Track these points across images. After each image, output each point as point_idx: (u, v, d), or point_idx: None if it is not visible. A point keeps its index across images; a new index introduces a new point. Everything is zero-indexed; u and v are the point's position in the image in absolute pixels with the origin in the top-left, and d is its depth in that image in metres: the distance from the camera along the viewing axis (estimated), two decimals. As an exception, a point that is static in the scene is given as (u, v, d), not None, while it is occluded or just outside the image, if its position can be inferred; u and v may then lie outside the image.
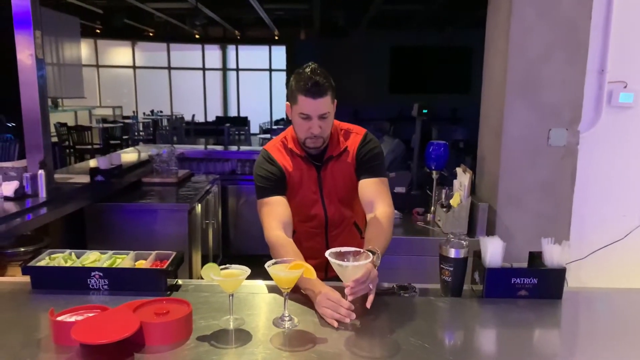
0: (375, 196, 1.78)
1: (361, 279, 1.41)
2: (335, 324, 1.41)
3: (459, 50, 11.72)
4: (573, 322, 1.65)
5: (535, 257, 1.73)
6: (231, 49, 16.59)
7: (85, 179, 3.40)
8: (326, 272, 1.75)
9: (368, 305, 1.47)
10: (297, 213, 1.87)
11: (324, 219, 1.89)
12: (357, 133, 1.88)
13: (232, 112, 16.62)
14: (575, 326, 1.63)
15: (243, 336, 1.36)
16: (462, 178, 2.92)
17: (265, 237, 1.73)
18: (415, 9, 10.52)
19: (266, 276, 1.49)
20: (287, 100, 1.76)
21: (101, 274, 1.61)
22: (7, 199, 2.75)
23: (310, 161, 1.83)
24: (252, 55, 16.50)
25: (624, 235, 2.80)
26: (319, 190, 1.86)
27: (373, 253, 1.53)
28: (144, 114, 14.76)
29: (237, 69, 16.73)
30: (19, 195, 2.78)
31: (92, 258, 1.72)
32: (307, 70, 1.69)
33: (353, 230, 1.96)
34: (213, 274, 1.37)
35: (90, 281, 1.61)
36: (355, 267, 1.42)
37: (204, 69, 16.55)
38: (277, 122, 13.64)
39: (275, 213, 1.74)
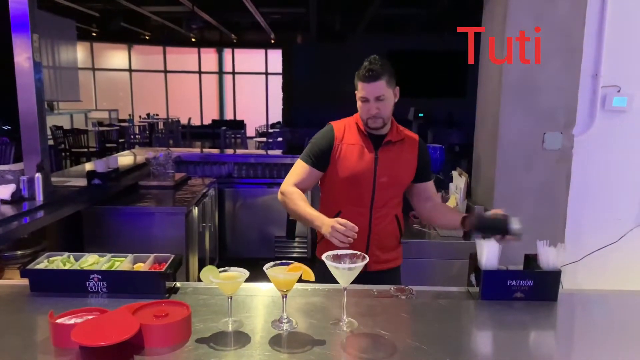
0: (433, 193, 2.14)
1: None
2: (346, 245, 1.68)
3: (455, 55, 11.77)
4: (568, 324, 1.66)
5: (531, 260, 1.75)
6: (227, 53, 16.60)
7: (82, 182, 3.39)
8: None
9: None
10: (348, 186, 2.00)
11: (370, 198, 1.99)
12: (412, 133, 2.13)
13: (229, 116, 16.63)
14: (571, 328, 1.65)
15: (242, 338, 1.36)
16: (458, 181, 2.95)
17: (282, 188, 2.02)
18: (411, 13, 10.58)
19: (264, 279, 1.51)
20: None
21: (100, 277, 1.62)
22: (4, 202, 2.74)
23: (370, 140, 2.01)
24: (249, 59, 16.52)
25: (619, 238, 2.82)
26: (374, 168, 1.99)
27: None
28: (140, 117, 14.74)
29: (234, 73, 16.75)
30: (16, 199, 2.78)
31: (91, 261, 1.73)
32: (366, 62, 1.93)
33: (393, 221, 2.07)
34: (212, 277, 1.38)
35: (89, 284, 1.62)
36: (351, 269, 1.44)
37: (200, 72, 16.55)
38: (273, 126, 13.64)
39: (299, 176, 2.02)
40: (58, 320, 1.32)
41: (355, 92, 1.99)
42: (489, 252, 1.67)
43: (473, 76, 3.25)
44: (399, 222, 2.09)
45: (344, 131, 2.03)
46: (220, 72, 16.88)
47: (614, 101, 2.74)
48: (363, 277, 1.55)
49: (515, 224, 1.75)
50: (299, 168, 2.03)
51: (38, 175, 2.84)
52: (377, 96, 1.91)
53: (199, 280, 1.47)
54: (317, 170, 2.02)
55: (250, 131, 14.07)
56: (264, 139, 10.62)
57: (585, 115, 2.79)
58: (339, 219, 1.76)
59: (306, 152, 2.03)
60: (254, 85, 16.61)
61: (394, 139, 2.02)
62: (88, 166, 4.42)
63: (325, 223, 1.80)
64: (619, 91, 2.75)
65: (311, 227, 2.00)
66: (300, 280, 1.46)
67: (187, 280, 3.39)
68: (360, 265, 1.45)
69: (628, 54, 2.75)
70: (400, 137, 2.04)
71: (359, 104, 1.98)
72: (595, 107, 2.77)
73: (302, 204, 1.94)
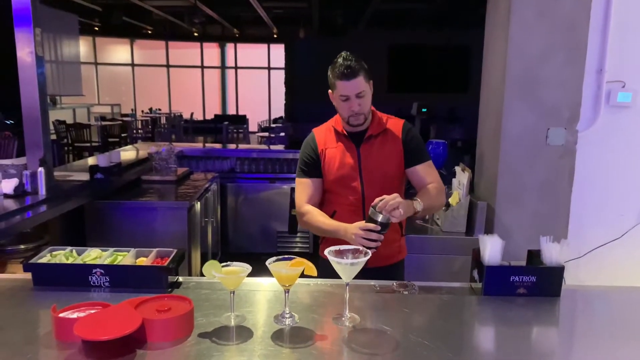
0: (426, 177, 2.01)
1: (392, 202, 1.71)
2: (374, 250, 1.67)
3: (458, 50, 11.73)
4: (571, 320, 1.66)
5: (534, 256, 1.75)
6: (230, 47, 16.57)
7: (85, 176, 3.40)
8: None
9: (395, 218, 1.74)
10: (337, 187, 2.01)
11: (360, 195, 1.98)
12: (397, 119, 2.09)
13: (231, 110, 16.61)
14: (573, 324, 1.64)
15: (244, 333, 1.36)
16: (461, 177, 2.94)
17: (297, 211, 2.04)
18: (414, 7, 10.52)
19: (266, 274, 1.50)
20: (329, 89, 1.98)
21: (102, 271, 1.62)
22: (6, 196, 2.74)
23: (350, 139, 2.01)
24: (251, 54, 16.48)
25: (622, 234, 2.82)
26: (358, 166, 1.99)
27: (416, 200, 1.85)
28: (142, 111, 14.74)
29: (236, 67, 16.71)
30: (19, 193, 2.78)
31: (94, 255, 1.73)
32: (340, 59, 1.90)
33: None
34: (215, 271, 1.38)
35: (91, 278, 1.62)
36: (353, 264, 1.44)
37: (202, 67, 16.53)
38: (275, 121, 13.62)
39: (307, 193, 2.02)
40: (61, 314, 1.32)
41: (330, 92, 1.97)
42: (491, 247, 1.67)
43: (476, 71, 3.23)
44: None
45: (325, 136, 2.04)
46: (223, 67, 16.85)
47: (619, 97, 2.73)
48: (365, 274, 1.55)
49: (377, 216, 1.73)
50: (302, 185, 2.04)
51: (41, 169, 2.84)
52: (357, 93, 1.89)
53: (202, 274, 1.47)
54: (317, 179, 2.03)
55: (252, 126, 14.07)
56: (266, 134, 10.60)
57: (590, 110, 2.78)
58: (358, 224, 1.77)
59: (300, 168, 2.05)
60: (256, 80, 16.57)
61: (375, 132, 2.00)
62: (90, 160, 4.42)
63: (349, 231, 1.80)
64: (623, 87, 2.74)
65: None
66: (302, 275, 1.45)
67: (190, 274, 3.40)
68: (362, 260, 1.44)
69: (633, 49, 2.73)
70: (381, 128, 2.01)
71: (338, 103, 1.95)
72: (599, 102, 2.76)
73: (321, 219, 1.95)
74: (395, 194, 1.75)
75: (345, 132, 2.01)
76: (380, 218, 1.73)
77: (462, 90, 11.31)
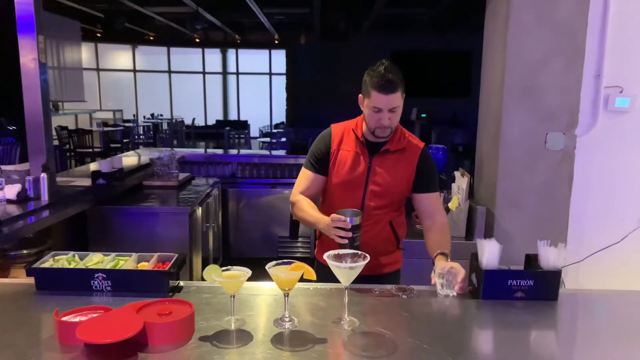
0: (434, 209, 2.00)
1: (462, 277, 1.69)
2: (345, 241, 1.69)
3: (459, 54, 11.77)
4: (569, 324, 1.67)
5: (532, 260, 1.76)
6: (231, 53, 16.63)
7: (87, 182, 3.42)
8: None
9: (458, 289, 1.70)
10: (339, 192, 1.99)
11: (360, 205, 1.95)
12: (418, 142, 2.04)
13: (232, 116, 16.65)
14: (571, 327, 1.65)
15: (244, 336, 1.38)
16: (461, 182, 2.95)
17: (290, 199, 2.04)
18: (415, 13, 10.57)
19: (266, 278, 1.52)
20: (361, 93, 1.91)
21: (104, 276, 1.63)
22: (10, 201, 2.77)
23: (366, 147, 1.97)
24: (252, 59, 16.54)
25: (621, 238, 2.83)
26: (366, 177, 1.96)
27: (445, 255, 1.82)
28: (144, 117, 14.81)
29: (237, 73, 16.77)
30: (22, 198, 2.80)
31: (96, 260, 1.74)
32: (381, 68, 1.83)
33: (387, 228, 2.02)
34: (215, 276, 1.40)
35: (93, 282, 1.63)
36: (352, 268, 1.45)
37: (204, 72, 16.58)
38: (277, 126, 13.67)
39: (304, 184, 2.02)
40: (63, 318, 1.34)
41: (363, 97, 1.89)
42: (489, 252, 1.68)
43: (477, 75, 3.25)
44: (394, 228, 2.03)
45: (342, 136, 1.99)
46: (225, 73, 16.91)
47: (617, 102, 2.75)
48: (358, 281, 1.55)
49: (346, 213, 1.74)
50: (303, 176, 2.03)
51: (43, 175, 2.87)
52: (391, 107, 1.83)
53: (202, 279, 1.48)
54: (320, 176, 2.00)
55: (254, 131, 14.11)
56: (268, 139, 10.63)
57: (588, 115, 2.80)
58: (332, 216, 1.73)
59: (307, 159, 2.03)
60: (257, 86, 16.63)
61: (393, 148, 1.95)
62: (93, 166, 4.44)
63: (326, 223, 1.77)
64: (621, 92, 2.75)
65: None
66: (302, 280, 1.47)
67: (191, 279, 3.42)
68: (361, 264, 1.46)
69: (631, 54, 2.75)
70: (400, 146, 1.96)
71: (367, 112, 1.88)
72: (597, 107, 2.78)
73: (307, 209, 1.93)
74: (460, 268, 1.72)
75: (363, 140, 1.97)
76: (348, 218, 1.71)
77: (464, 95, 11.33)
